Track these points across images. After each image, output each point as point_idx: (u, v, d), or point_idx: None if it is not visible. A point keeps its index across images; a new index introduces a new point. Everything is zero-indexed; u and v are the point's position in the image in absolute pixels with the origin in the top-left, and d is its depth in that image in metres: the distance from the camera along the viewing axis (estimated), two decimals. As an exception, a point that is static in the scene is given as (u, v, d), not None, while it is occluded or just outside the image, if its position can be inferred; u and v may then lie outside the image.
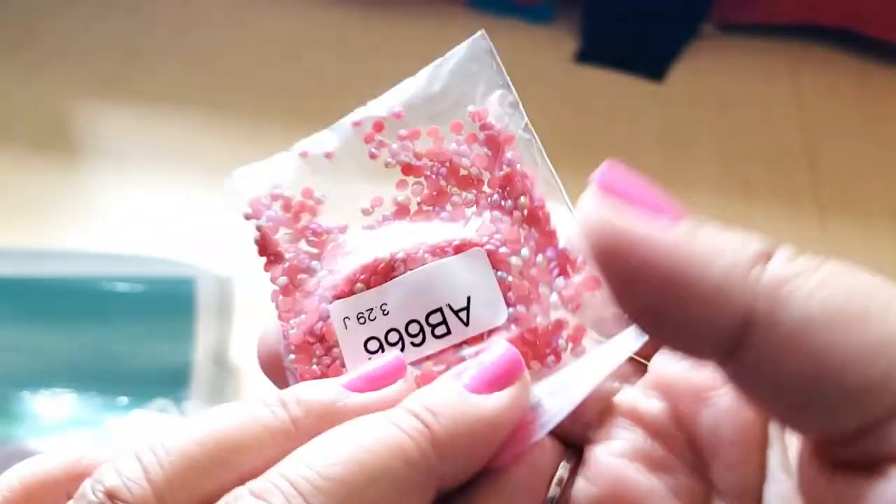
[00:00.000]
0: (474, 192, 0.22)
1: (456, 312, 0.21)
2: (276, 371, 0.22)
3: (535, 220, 0.22)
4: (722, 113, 0.82)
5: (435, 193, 0.22)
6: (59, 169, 0.71)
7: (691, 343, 0.16)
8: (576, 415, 0.20)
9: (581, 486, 0.20)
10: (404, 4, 0.88)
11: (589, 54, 0.85)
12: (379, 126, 0.23)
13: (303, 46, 0.85)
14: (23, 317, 0.56)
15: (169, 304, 0.56)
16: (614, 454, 0.20)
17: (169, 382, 0.54)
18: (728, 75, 0.85)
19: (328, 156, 0.23)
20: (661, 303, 0.16)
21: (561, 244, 0.21)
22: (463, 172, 0.22)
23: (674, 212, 0.17)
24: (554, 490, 0.20)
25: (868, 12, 0.83)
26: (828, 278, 0.16)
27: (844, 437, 0.15)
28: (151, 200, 0.69)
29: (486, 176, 0.22)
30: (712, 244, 0.16)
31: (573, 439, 0.21)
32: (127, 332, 0.56)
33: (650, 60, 0.85)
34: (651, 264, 0.16)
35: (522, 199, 0.22)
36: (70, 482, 0.21)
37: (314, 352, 0.21)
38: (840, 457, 0.16)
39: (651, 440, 0.20)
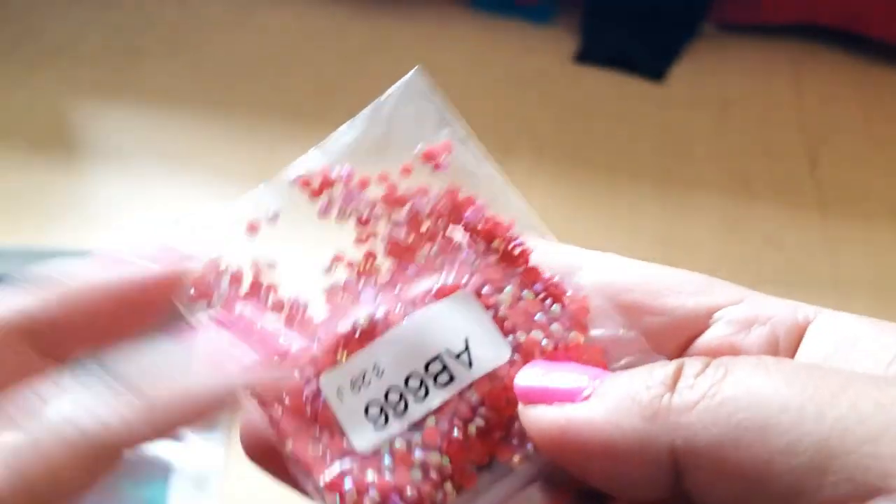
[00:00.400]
0: (439, 240, 0.21)
1: (456, 357, 0.20)
2: (272, 460, 0.20)
3: (513, 259, 0.21)
4: (722, 113, 0.81)
5: (399, 246, 0.21)
6: (58, 169, 0.71)
7: (641, 495, 0.18)
8: None
9: None
10: (404, 4, 0.88)
11: (589, 54, 0.85)
12: (328, 183, 0.21)
13: (303, 46, 0.84)
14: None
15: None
16: None
17: (169, 383, 0.53)
18: (728, 75, 0.85)
19: (273, 219, 0.21)
20: (606, 470, 0.18)
21: (547, 275, 0.20)
22: (426, 223, 0.21)
23: (584, 381, 0.18)
24: None
25: (868, 12, 0.83)
26: (728, 392, 0.16)
27: None
28: (151, 200, 0.69)
29: (449, 226, 0.21)
30: (623, 395, 0.17)
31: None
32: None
33: (650, 60, 0.84)
34: (583, 445, 0.18)
35: (496, 242, 0.21)
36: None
37: (313, 433, 0.20)
38: None
39: None
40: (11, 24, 0.84)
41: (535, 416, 0.18)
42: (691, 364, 0.17)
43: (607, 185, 0.73)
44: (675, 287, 0.21)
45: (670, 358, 0.20)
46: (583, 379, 0.18)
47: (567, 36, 0.87)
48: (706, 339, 0.20)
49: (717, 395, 0.16)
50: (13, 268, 0.57)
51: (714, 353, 0.20)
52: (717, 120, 0.81)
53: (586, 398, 0.18)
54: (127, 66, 0.81)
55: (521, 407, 0.19)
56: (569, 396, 0.18)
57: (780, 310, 0.20)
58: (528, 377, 0.19)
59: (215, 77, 0.80)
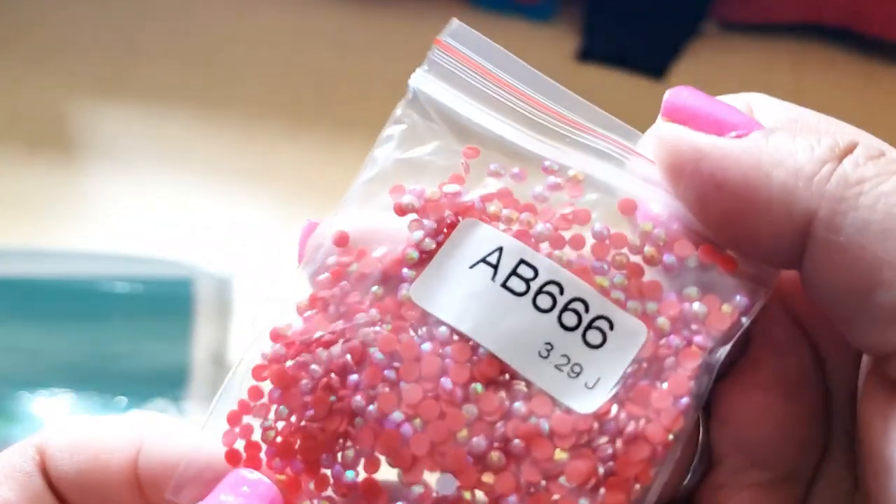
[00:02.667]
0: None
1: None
2: None
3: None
4: (724, 112, 0.81)
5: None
6: (57, 168, 0.71)
7: (759, 251, 0.16)
8: None
9: None
10: (405, 2, 0.88)
11: (590, 52, 0.85)
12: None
13: (302, 44, 0.84)
14: (22, 317, 0.56)
15: (168, 304, 0.55)
16: None
17: (168, 383, 0.53)
18: (729, 74, 0.84)
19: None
20: (731, 211, 0.16)
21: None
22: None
23: (745, 123, 0.17)
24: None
25: (870, 11, 0.82)
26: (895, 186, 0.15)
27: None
28: (151, 200, 0.69)
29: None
30: (782, 148, 0.16)
31: None
32: (126, 333, 0.55)
33: (652, 58, 0.84)
34: (719, 175, 0.16)
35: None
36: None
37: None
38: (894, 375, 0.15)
39: None
40: (8, 21, 0.83)
41: (674, 134, 0.17)
42: (864, 146, 0.16)
43: (608, 185, 0.73)
44: None
45: None
46: (739, 118, 0.17)
47: (568, 34, 0.87)
48: None
49: (883, 185, 0.15)
50: (12, 268, 0.57)
51: None
52: (718, 119, 0.80)
53: (738, 136, 0.16)
54: (126, 64, 0.80)
55: (660, 119, 0.18)
56: (718, 128, 0.17)
57: None
58: (681, 95, 0.18)
59: (215, 76, 0.80)
